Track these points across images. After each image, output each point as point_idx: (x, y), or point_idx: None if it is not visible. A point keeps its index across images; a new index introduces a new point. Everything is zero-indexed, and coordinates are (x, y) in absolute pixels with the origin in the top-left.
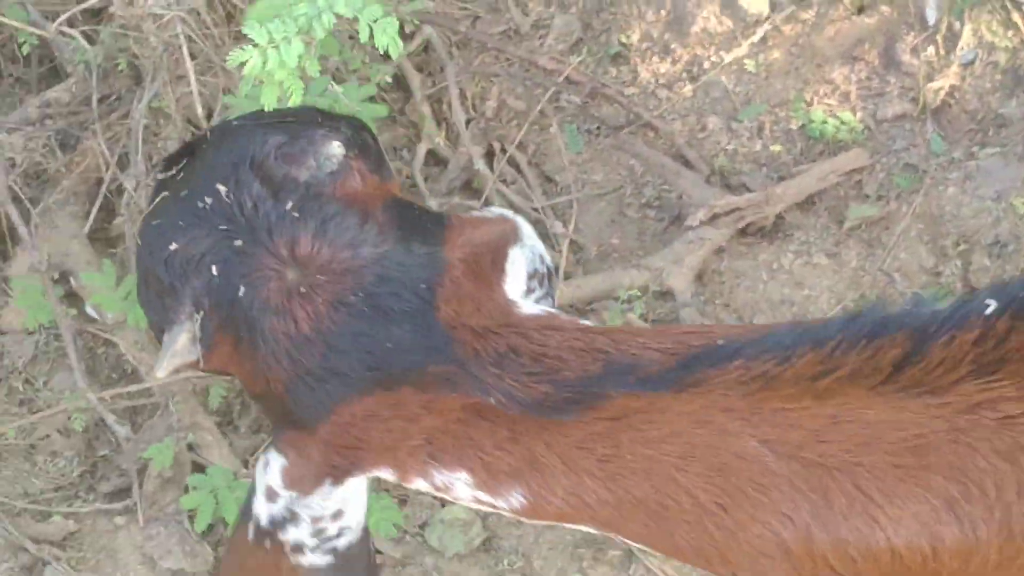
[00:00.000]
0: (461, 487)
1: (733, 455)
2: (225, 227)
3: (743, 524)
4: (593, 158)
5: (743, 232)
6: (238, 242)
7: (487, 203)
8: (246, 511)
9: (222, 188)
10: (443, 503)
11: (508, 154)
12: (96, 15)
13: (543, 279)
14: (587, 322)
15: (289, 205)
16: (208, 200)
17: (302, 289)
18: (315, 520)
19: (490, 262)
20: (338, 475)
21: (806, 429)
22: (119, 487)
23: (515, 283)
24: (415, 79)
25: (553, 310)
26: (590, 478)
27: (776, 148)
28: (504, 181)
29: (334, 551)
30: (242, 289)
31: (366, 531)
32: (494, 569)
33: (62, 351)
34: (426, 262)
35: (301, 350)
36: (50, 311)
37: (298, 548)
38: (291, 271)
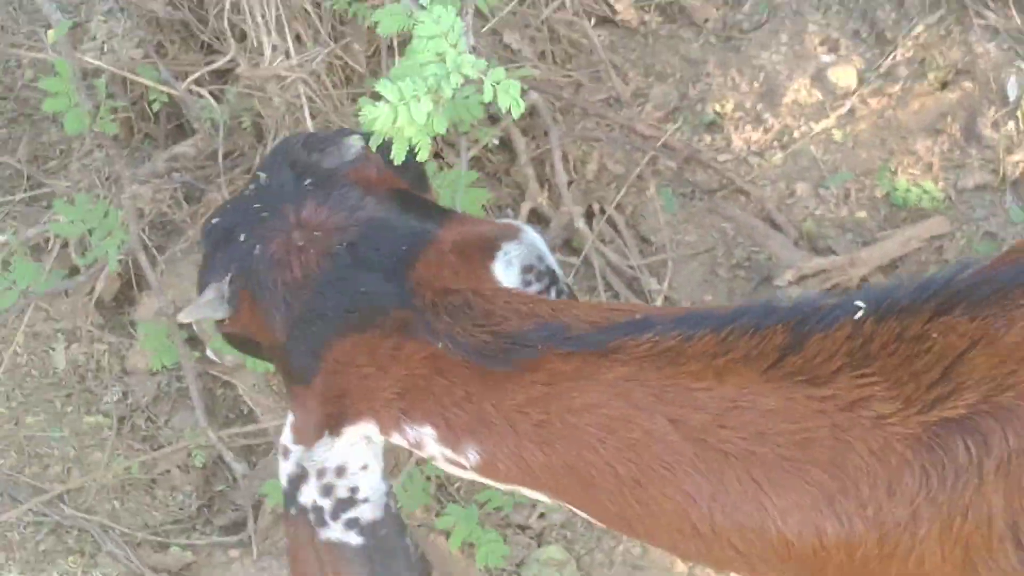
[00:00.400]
0: (430, 442)
1: (644, 432)
2: (258, 204)
3: (657, 499)
4: (687, 220)
5: (829, 293)
6: (264, 214)
7: (586, 260)
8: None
9: (263, 175)
10: (539, 543)
11: (607, 215)
12: (223, 76)
13: (541, 275)
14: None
15: (308, 182)
16: (252, 187)
17: (300, 243)
18: (320, 473)
19: (479, 247)
20: (333, 424)
21: (709, 412)
22: (234, 521)
23: (505, 269)
24: (520, 142)
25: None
26: (528, 441)
27: (861, 214)
28: (602, 240)
29: (358, 526)
30: (257, 248)
31: (398, 521)
32: None
33: (182, 392)
34: (416, 231)
35: (294, 295)
36: (174, 354)
37: (319, 518)
38: (296, 231)
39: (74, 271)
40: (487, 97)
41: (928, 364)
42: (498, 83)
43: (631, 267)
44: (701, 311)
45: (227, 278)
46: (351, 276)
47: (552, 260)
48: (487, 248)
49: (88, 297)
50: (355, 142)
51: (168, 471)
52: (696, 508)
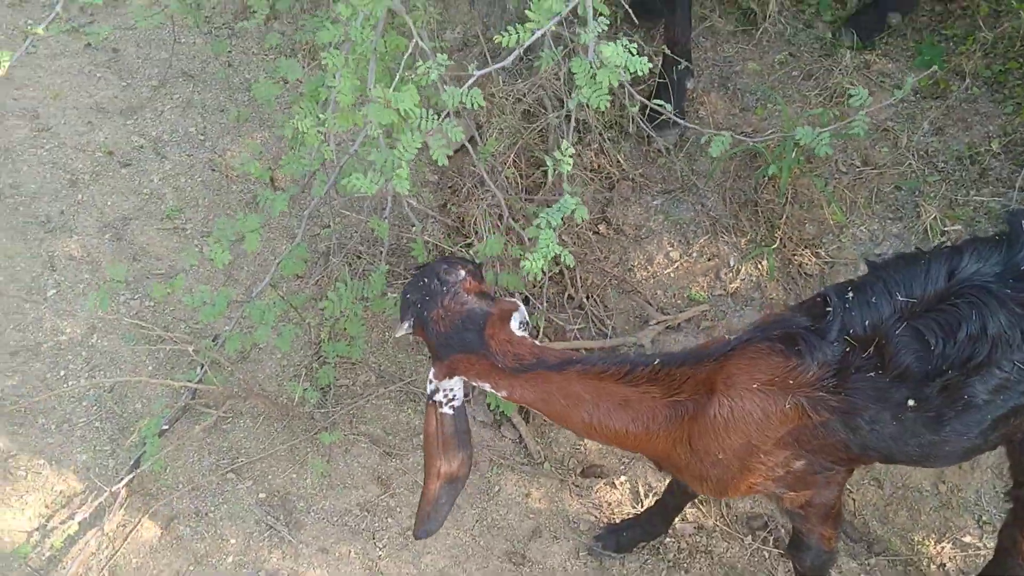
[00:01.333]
0: (487, 388)
1: (573, 393)
2: (424, 292)
3: (574, 414)
4: (620, 301)
5: (668, 328)
6: (427, 299)
7: (586, 315)
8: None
9: (426, 280)
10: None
11: (591, 298)
12: (468, 246)
13: (526, 326)
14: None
15: (444, 288)
16: (419, 284)
17: (443, 314)
18: (443, 391)
19: (507, 313)
20: (449, 375)
21: (598, 390)
22: None
23: (515, 324)
24: (567, 274)
25: (525, 335)
26: (527, 392)
27: (679, 302)
28: (592, 307)
29: (453, 408)
30: (425, 313)
31: (464, 406)
32: None
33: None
34: (485, 311)
35: (440, 337)
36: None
37: (439, 404)
38: (441, 309)
39: None
40: (561, 259)
41: (674, 384)
42: (564, 254)
43: (599, 317)
44: (600, 356)
45: (410, 319)
46: (461, 334)
47: (527, 318)
48: (508, 316)
49: None
50: (463, 271)
51: None
52: (588, 417)
